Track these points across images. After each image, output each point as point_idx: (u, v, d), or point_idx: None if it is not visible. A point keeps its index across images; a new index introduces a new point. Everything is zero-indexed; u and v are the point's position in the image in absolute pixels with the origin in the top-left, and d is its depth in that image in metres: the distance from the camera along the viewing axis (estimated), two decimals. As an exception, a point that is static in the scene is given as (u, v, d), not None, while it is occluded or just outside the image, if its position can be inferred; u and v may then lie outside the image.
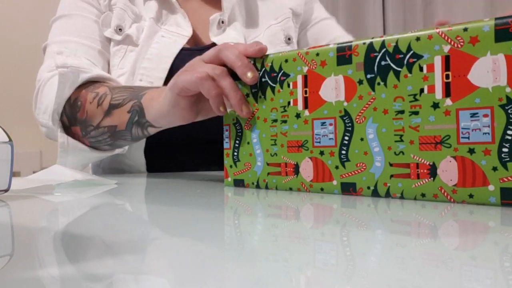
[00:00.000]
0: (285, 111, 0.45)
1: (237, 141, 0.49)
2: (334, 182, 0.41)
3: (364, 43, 0.39)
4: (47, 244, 0.23)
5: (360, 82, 0.39)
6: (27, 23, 1.84)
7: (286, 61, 0.44)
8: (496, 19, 0.33)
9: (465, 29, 0.34)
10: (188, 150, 0.80)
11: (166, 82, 0.73)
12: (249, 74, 0.47)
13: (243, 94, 0.48)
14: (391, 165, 0.38)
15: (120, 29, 0.77)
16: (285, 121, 0.45)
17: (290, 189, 0.44)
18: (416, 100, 0.36)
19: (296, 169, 0.44)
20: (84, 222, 0.29)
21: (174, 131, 0.79)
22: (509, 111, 0.33)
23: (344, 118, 0.40)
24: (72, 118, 0.67)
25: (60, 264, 0.19)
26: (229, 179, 0.50)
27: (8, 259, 0.20)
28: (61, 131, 0.67)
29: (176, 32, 0.78)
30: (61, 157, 0.68)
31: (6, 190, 0.41)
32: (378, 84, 0.38)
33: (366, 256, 0.19)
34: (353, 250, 0.20)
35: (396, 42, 0.37)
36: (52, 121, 0.67)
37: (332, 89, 0.41)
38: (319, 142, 0.42)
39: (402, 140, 0.37)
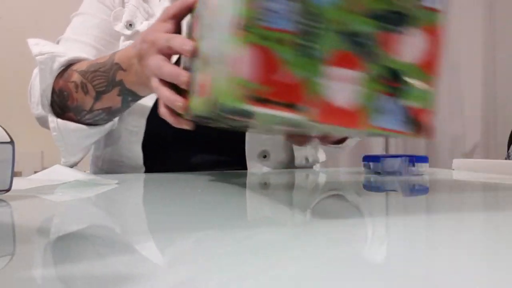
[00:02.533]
0: None
1: None
2: None
3: None
4: (48, 244, 0.23)
5: None
6: (28, 23, 1.84)
7: None
8: None
9: None
10: (188, 147, 0.80)
11: None
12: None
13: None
14: None
15: (131, 25, 0.79)
16: None
17: None
18: None
19: None
20: (85, 222, 0.29)
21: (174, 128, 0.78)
22: None
23: None
24: (63, 106, 0.70)
25: (61, 264, 0.19)
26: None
27: (9, 259, 0.20)
28: (52, 116, 0.69)
29: None
30: (58, 141, 0.69)
31: (7, 190, 0.41)
32: None
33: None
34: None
35: None
36: (42, 106, 0.69)
37: None
38: None
39: None
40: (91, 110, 0.67)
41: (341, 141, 0.75)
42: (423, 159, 0.62)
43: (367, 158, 0.66)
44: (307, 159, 0.83)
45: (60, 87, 0.69)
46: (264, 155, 0.79)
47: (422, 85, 0.33)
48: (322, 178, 0.68)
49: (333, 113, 0.32)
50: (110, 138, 0.80)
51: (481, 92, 2.14)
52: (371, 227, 0.26)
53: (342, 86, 0.32)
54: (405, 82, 0.33)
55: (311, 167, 0.86)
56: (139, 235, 0.24)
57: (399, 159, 0.61)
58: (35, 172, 0.81)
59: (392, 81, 0.33)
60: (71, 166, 0.73)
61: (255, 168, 0.79)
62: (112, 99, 0.64)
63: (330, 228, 0.26)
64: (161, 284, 0.16)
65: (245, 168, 0.79)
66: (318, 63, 0.31)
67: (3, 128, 0.41)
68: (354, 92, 0.32)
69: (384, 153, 2.07)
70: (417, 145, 2.12)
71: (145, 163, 0.78)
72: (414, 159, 0.61)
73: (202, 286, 0.15)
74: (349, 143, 0.75)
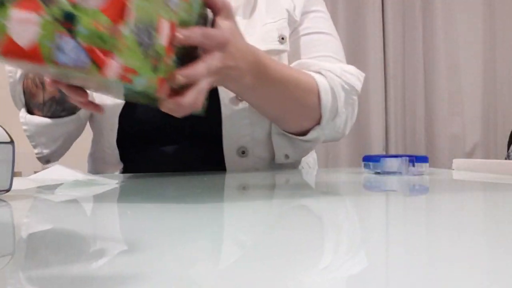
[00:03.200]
0: None
1: None
2: None
3: None
4: (47, 244, 0.23)
5: None
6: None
7: None
8: None
9: None
10: (164, 144, 0.79)
11: None
12: None
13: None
14: None
15: None
16: None
17: None
18: None
19: None
20: (85, 221, 0.29)
21: (148, 125, 0.78)
22: None
23: None
24: (31, 105, 0.75)
25: (61, 264, 0.19)
26: None
27: (9, 259, 0.20)
28: (23, 112, 0.75)
29: None
30: (27, 134, 0.75)
31: (7, 190, 0.41)
32: None
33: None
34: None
35: None
36: (15, 104, 0.76)
37: None
38: None
39: None
40: (44, 102, 0.72)
41: (303, 133, 0.73)
42: (423, 159, 0.62)
43: (367, 158, 0.66)
44: (286, 156, 0.80)
45: (25, 87, 0.73)
46: (243, 151, 0.77)
47: (102, 28, 0.38)
48: (322, 178, 0.68)
49: (18, 51, 0.38)
50: (96, 137, 0.82)
51: (481, 92, 2.14)
52: (371, 227, 0.26)
53: (24, 27, 0.38)
54: (82, 24, 0.38)
55: (292, 165, 0.84)
56: (139, 235, 0.24)
57: (399, 159, 0.61)
58: (35, 172, 0.81)
59: (70, 23, 0.38)
60: (46, 159, 0.79)
61: (234, 165, 0.77)
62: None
63: (330, 228, 0.26)
64: (162, 283, 0.16)
65: (223, 164, 0.77)
66: (3, 7, 0.38)
67: (3, 128, 0.41)
68: (35, 33, 0.38)
69: (384, 153, 2.07)
70: (417, 145, 2.13)
71: (123, 160, 0.78)
72: (414, 159, 0.61)
73: (202, 286, 0.15)
74: (316, 135, 0.73)
